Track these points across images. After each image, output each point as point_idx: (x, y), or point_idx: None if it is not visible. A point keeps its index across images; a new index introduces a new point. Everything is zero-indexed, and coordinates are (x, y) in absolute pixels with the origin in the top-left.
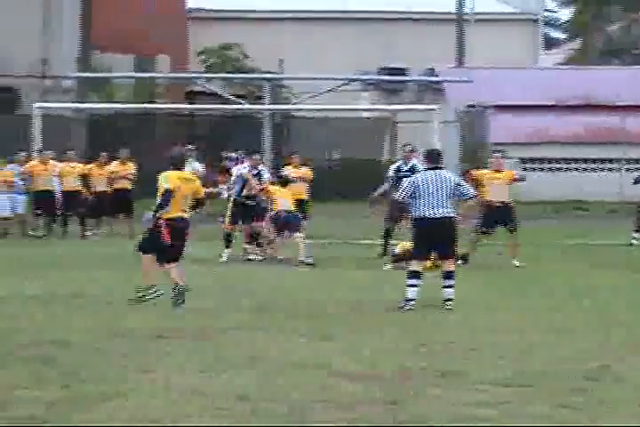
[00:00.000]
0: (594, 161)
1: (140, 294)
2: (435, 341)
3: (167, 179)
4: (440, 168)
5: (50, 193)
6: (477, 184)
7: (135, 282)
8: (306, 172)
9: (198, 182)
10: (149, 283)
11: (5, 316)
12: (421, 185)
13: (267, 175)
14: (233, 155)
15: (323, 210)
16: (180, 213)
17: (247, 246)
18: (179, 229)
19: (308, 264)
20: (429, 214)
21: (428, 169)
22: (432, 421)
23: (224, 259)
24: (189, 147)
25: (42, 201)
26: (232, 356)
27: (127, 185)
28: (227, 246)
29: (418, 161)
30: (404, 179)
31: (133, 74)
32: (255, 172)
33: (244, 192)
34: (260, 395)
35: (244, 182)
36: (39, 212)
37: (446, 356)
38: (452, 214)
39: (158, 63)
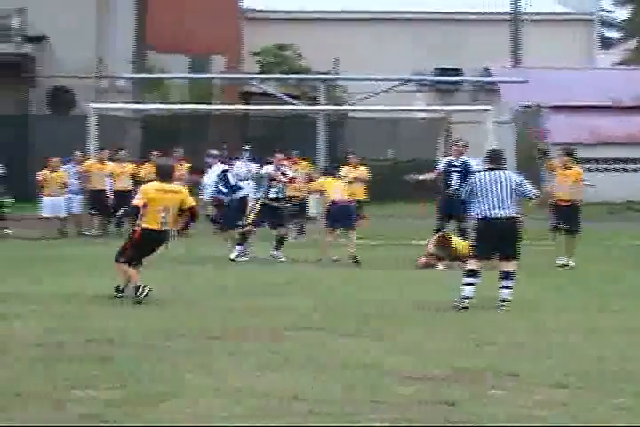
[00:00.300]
0: None
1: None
2: (489, 341)
3: (141, 192)
4: (501, 168)
5: (105, 193)
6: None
7: (193, 282)
8: (362, 172)
9: (184, 194)
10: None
11: (66, 315)
12: (482, 185)
13: (291, 174)
14: (215, 152)
15: (379, 210)
16: (155, 226)
17: (275, 253)
18: (151, 239)
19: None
20: (492, 214)
21: (489, 169)
22: (487, 421)
23: (232, 256)
24: (245, 147)
25: (97, 201)
26: (287, 356)
27: (185, 186)
28: (239, 244)
29: (469, 157)
30: (453, 174)
31: (188, 75)
32: (280, 171)
33: (272, 194)
34: (315, 395)
35: (270, 183)
36: (94, 211)
37: (501, 356)
38: (514, 215)
39: (213, 63)
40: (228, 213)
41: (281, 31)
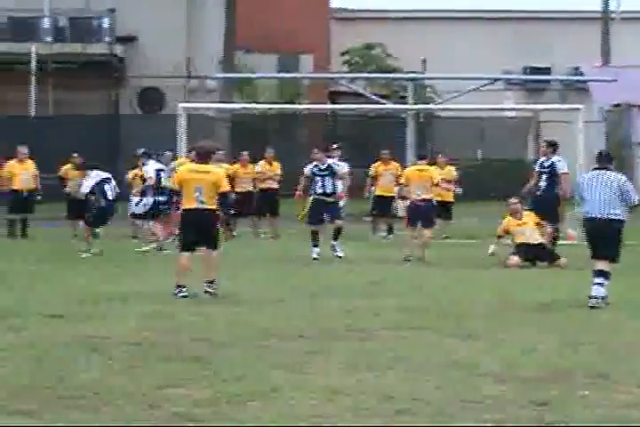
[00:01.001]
0: None
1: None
2: (581, 341)
3: (175, 176)
4: (607, 169)
5: None
6: None
7: (290, 282)
8: (449, 172)
9: (216, 175)
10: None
11: (158, 314)
12: (586, 185)
13: (344, 168)
14: (140, 151)
15: (468, 210)
16: (192, 205)
17: (334, 242)
18: (191, 218)
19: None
20: (594, 214)
21: (595, 169)
22: (580, 422)
23: (314, 256)
24: (333, 146)
25: None
26: (377, 356)
27: (273, 185)
28: (315, 245)
29: (558, 158)
30: (543, 175)
31: (277, 74)
32: (324, 166)
33: (319, 190)
34: (406, 395)
35: (312, 180)
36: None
37: (593, 356)
38: (617, 216)
39: (301, 63)
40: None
41: (369, 30)
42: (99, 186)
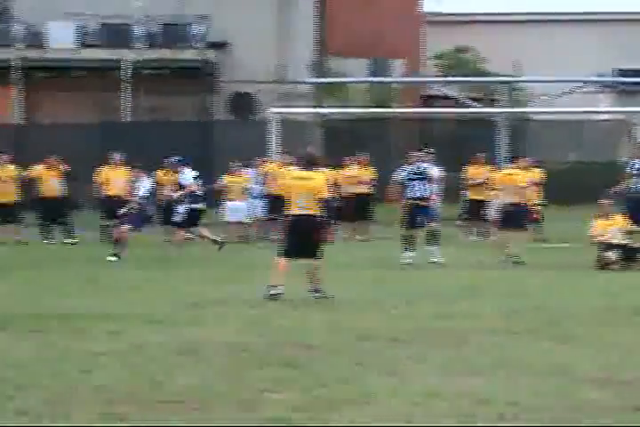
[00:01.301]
0: None
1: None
2: None
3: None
4: None
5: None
6: None
7: (385, 286)
8: (535, 174)
9: (317, 182)
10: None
11: (252, 318)
12: None
13: (437, 171)
14: (174, 159)
15: (559, 213)
16: (295, 211)
17: (431, 248)
18: (295, 224)
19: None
20: None
21: None
22: None
23: (407, 261)
24: (427, 150)
25: (278, 205)
26: (474, 360)
27: (367, 190)
28: (407, 249)
29: None
30: (633, 177)
31: (369, 78)
32: (418, 170)
33: (413, 194)
34: (502, 399)
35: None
36: (273, 216)
37: None
38: None
39: (393, 67)
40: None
41: (461, 34)
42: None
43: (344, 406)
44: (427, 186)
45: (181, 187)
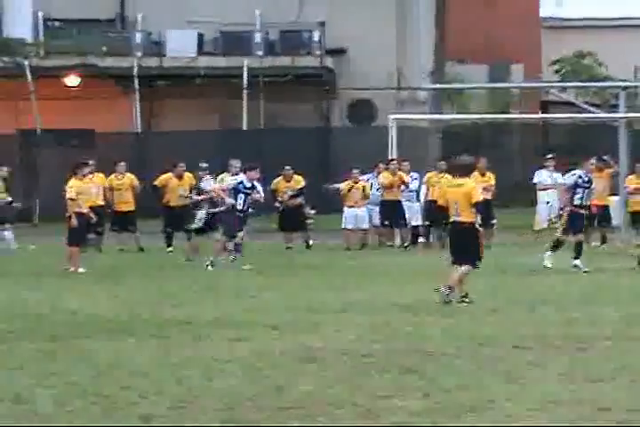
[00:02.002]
0: None
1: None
2: None
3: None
4: None
5: (399, 203)
6: None
7: (504, 292)
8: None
9: (468, 188)
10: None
11: (371, 324)
12: None
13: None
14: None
15: None
16: (454, 217)
17: (575, 262)
18: (454, 231)
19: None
20: None
21: None
22: None
23: (582, 267)
24: (548, 156)
25: (389, 212)
26: (595, 366)
27: (486, 196)
28: (553, 250)
29: None
30: None
31: (487, 84)
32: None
33: (577, 201)
34: (624, 406)
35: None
36: (386, 222)
37: None
38: None
39: (512, 72)
40: None
41: (580, 39)
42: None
43: (464, 412)
44: (588, 194)
45: (200, 192)
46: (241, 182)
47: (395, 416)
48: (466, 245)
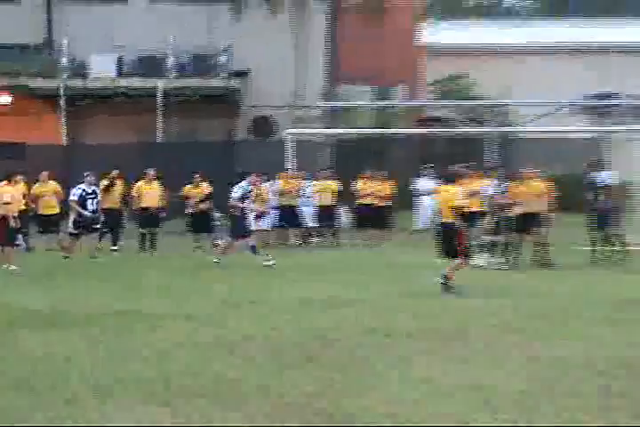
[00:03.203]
0: None
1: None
2: None
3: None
4: None
5: (295, 208)
6: None
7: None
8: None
9: (449, 193)
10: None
11: (272, 316)
12: None
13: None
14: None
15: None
16: (444, 219)
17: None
18: (440, 231)
19: None
20: None
21: None
22: None
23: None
24: (426, 165)
25: (286, 215)
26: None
27: (386, 202)
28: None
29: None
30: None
31: (372, 103)
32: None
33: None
34: (511, 390)
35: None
36: (283, 224)
37: None
38: None
39: (396, 92)
40: None
41: (456, 63)
42: None
43: (357, 392)
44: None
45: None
46: (83, 190)
47: (295, 396)
48: (451, 243)
